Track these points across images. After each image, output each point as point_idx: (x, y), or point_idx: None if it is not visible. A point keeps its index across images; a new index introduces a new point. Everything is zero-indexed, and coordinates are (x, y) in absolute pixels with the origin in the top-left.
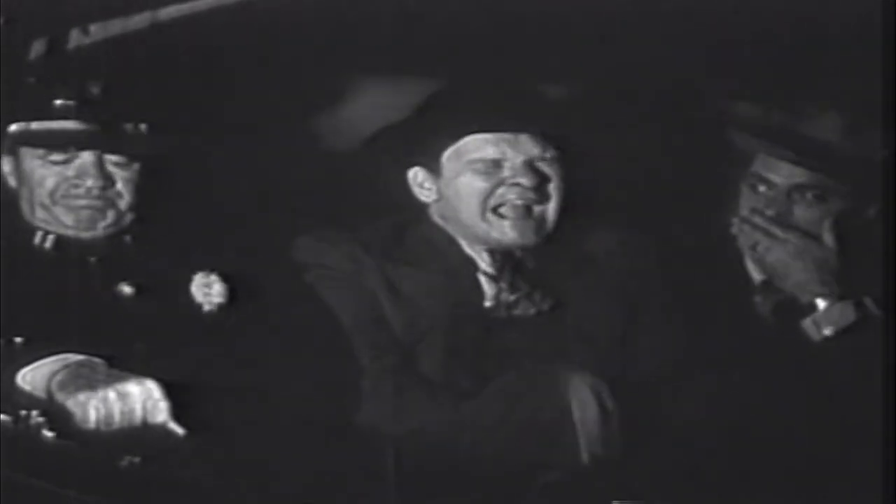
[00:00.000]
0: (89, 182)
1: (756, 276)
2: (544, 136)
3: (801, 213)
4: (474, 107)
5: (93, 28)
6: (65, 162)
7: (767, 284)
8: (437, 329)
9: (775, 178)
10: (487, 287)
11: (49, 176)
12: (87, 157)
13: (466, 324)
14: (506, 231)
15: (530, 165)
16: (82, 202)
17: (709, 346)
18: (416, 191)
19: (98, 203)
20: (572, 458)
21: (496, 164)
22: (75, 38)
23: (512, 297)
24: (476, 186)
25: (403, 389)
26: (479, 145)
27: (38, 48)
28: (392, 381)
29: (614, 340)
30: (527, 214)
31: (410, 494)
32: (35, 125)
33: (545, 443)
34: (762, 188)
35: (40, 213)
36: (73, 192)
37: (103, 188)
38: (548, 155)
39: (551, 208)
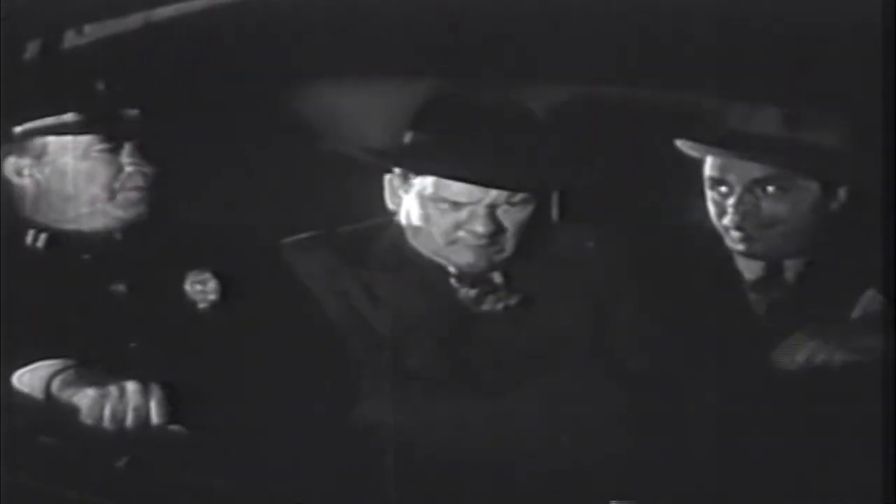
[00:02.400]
0: (146, 169)
1: (748, 274)
2: (516, 182)
3: (769, 206)
4: (448, 151)
5: (87, 28)
6: (115, 150)
7: (760, 282)
8: (417, 328)
9: (731, 178)
10: (456, 285)
11: (100, 169)
12: (130, 145)
13: (443, 322)
14: (462, 256)
15: (491, 213)
16: (136, 195)
17: (704, 345)
18: (388, 197)
19: (146, 194)
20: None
21: (458, 205)
22: (70, 39)
23: (472, 293)
24: (436, 222)
25: (398, 388)
26: (445, 182)
27: (33, 49)
28: (389, 378)
29: (591, 337)
30: (487, 248)
31: (411, 493)
32: (67, 117)
33: (573, 444)
34: (724, 189)
35: (85, 209)
36: (132, 181)
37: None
38: (515, 199)
39: (509, 239)
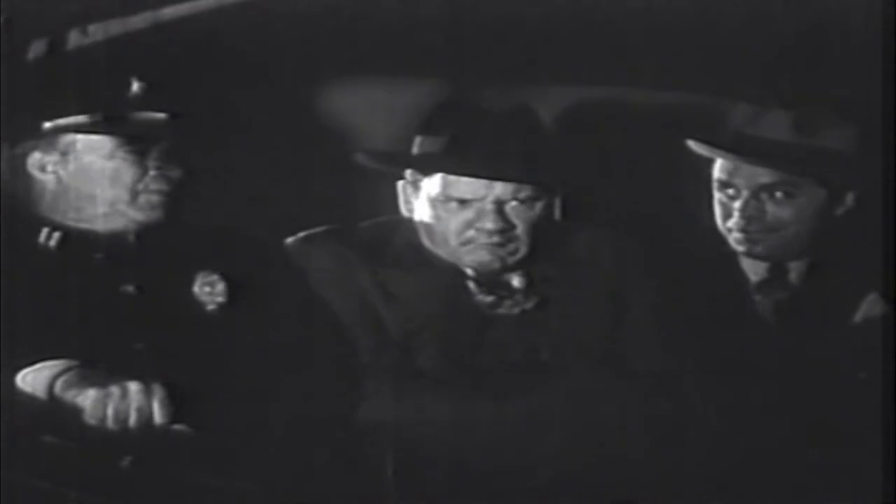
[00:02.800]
0: (173, 173)
1: (753, 276)
2: (517, 173)
3: (774, 211)
4: (453, 150)
5: (92, 28)
6: (142, 153)
7: (765, 283)
8: (430, 328)
9: (738, 182)
10: (472, 287)
11: (125, 169)
12: (162, 146)
13: (458, 323)
14: (475, 256)
15: (498, 209)
16: (157, 198)
17: (707, 346)
18: (402, 204)
19: (168, 198)
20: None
21: (465, 203)
22: (74, 39)
23: (490, 298)
24: (447, 223)
25: (404, 388)
26: (451, 181)
27: (37, 49)
28: (393, 379)
29: (603, 339)
30: (498, 247)
31: (413, 493)
32: (97, 115)
33: (577, 445)
34: (731, 192)
35: (102, 209)
36: (157, 184)
37: (181, 177)
38: (521, 195)
39: (521, 238)
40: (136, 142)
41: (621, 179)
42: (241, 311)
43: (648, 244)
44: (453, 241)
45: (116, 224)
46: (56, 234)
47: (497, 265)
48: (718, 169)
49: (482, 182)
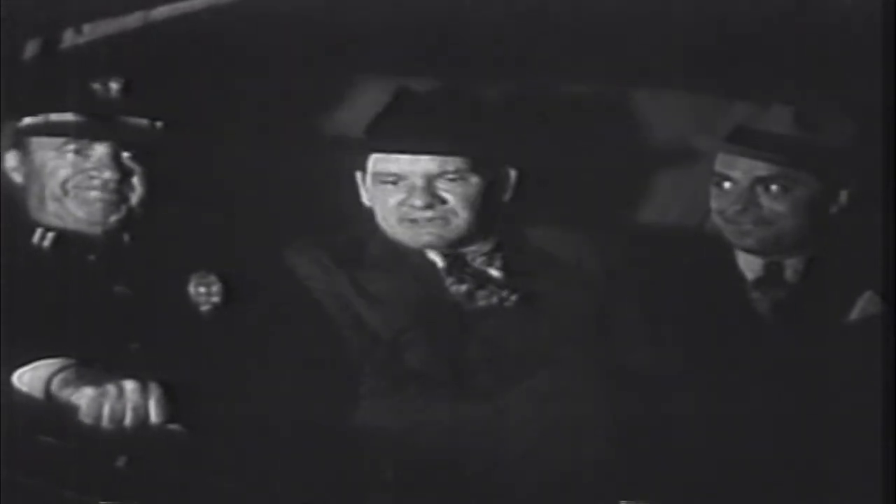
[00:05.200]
0: (106, 174)
1: (749, 273)
2: (452, 150)
3: (768, 204)
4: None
5: (86, 28)
6: (81, 152)
7: (761, 281)
8: (414, 327)
9: (736, 174)
10: (447, 282)
11: (63, 166)
12: (102, 149)
13: (440, 320)
14: (413, 235)
15: (426, 186)
16: (95, 194)
17: (706, 344)
18: (363, 193)
19: (111, 197)
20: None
21: (397, 180)
22: (69, 38)
23: (464, 288)
24: (384, 201)
25: (400, 388)
26: (381, 160)
27: (32, 48)
28: (385, 379)
29: (589, 333)
30: (432, 222)
31: (408, 493)
32: (52, 116)
33: (570, 445)
34: (727, 185)
35: (52, 206)
36: (88, 183)
37: (119, 181)
38: (449, 169)
39: (458, 214)
40: (79, 141)
41: (616, 175)
42: (235, 312)
43: (639, 241)
44: (392, 220)
45: (66, 223)
46: (50, 235)
47: (438, 242)
48: (718, 162)
49: (408, 158)
